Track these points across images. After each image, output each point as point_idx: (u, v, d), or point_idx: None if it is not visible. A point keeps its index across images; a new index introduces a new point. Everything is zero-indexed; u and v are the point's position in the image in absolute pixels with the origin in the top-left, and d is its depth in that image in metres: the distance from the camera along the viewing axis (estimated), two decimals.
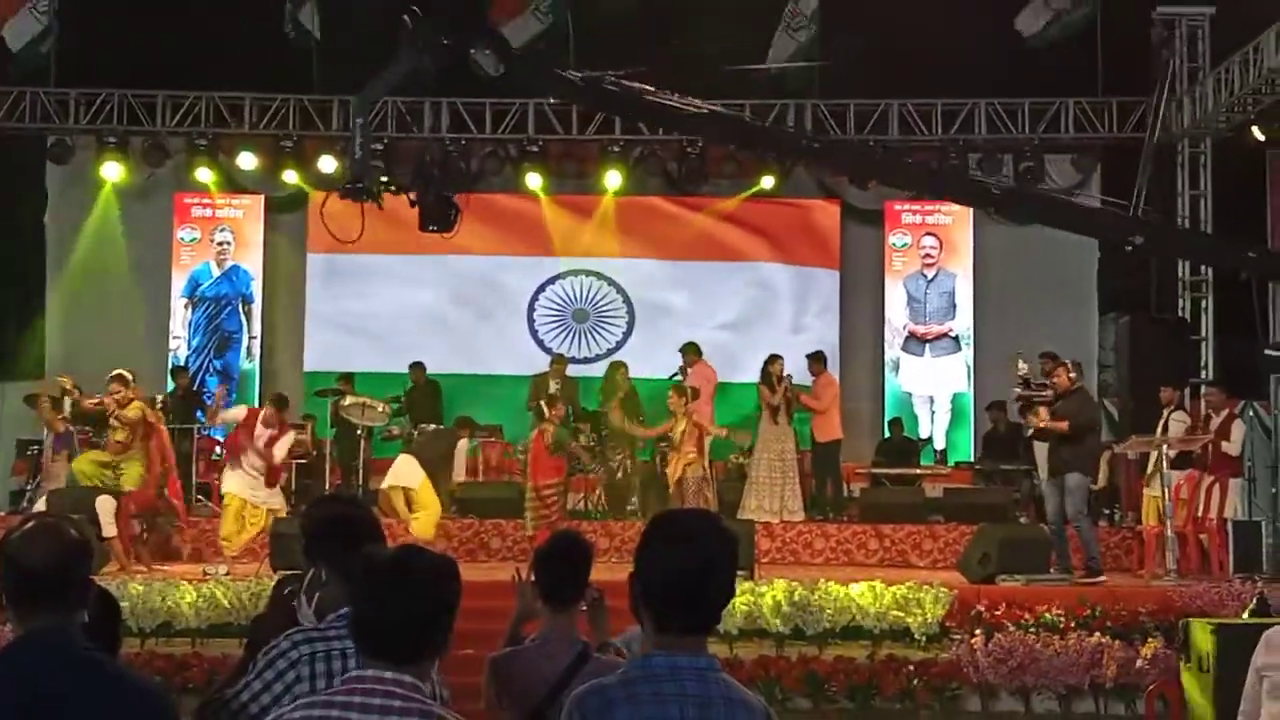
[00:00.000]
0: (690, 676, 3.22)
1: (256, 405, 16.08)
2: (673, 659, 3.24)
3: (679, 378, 16.73)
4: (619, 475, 16.63)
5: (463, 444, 15.90)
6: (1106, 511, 16.31)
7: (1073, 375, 13.72)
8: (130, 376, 14.34)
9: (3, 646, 3.39)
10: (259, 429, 13.90)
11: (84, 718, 3.24)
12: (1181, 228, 14.08)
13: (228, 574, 12.86)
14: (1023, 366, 14.66)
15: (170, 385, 18.45)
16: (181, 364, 18.93)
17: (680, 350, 17.24)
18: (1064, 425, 13.28)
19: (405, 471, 14.76)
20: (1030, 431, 15.56)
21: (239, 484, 13.83)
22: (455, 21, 11.16)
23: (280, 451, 13.95)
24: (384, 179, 10.67)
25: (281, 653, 4.15)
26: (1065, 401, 13.63)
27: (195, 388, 18.62)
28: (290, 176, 19.26)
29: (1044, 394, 14.05)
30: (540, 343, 19.60)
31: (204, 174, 19.24)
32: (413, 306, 19.45)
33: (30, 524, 3.45)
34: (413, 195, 10.65)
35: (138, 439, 13.94)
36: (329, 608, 4.24)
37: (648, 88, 11.65)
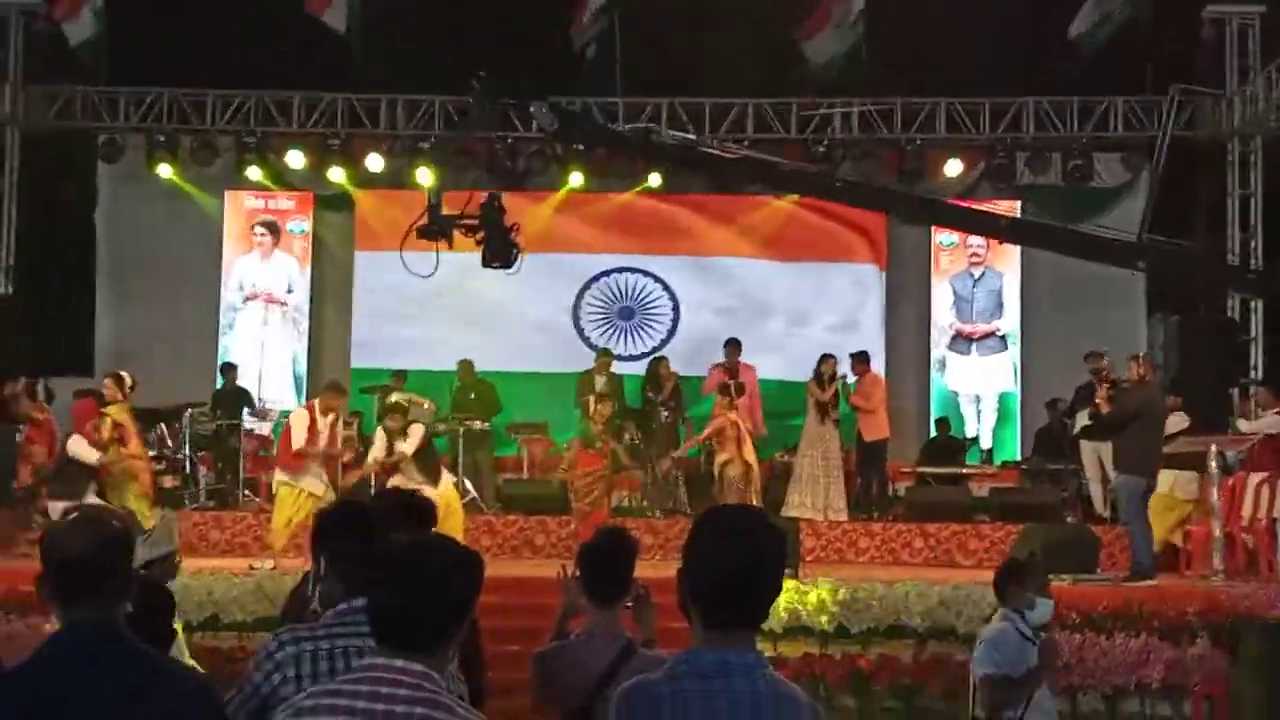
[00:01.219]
0: (738, 672, 3.23)
1: (305, 403, 16.17)
2: (720, 655, 3.25)
3: (718, 369, 16.79)
4: (664, 473, 16.62)
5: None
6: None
7: (1143, 370, 13.68)
8: (128, 380, 14.28)
9: (46, 639, 3.43)
10: (319, 422, 13.96)
11: (125, 711, 3.28)
12: (1184, 250, 14.27)
13: (274, 568, 12.94)
14: (1100, 361, 14.88)
15: (220, 381, 18.59)
16: (230, 360, 19.05)
17: (725, 345, 17.25)
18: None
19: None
20: (1076, 430, 15.53)
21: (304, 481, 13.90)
22: (517, 86, 13.01)
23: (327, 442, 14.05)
24: (458, 221, 11.46)
25: (268, 654, 4.08)
26: (1124, 393, 13.65)
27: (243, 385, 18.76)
28: (337, 174, 19.37)
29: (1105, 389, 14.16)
30: (586, 340, 19.62)
31: (253, 172, 19.36)
32: (459, 304, 19.47)
33: (73, 515, 3.50)
34: (479, 236, 11.43)
35: (113, 444, 13.80)
36: (329, 603, 4.18)
37: (690, 138, 13.08)
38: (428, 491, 13.30)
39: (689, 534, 3.37)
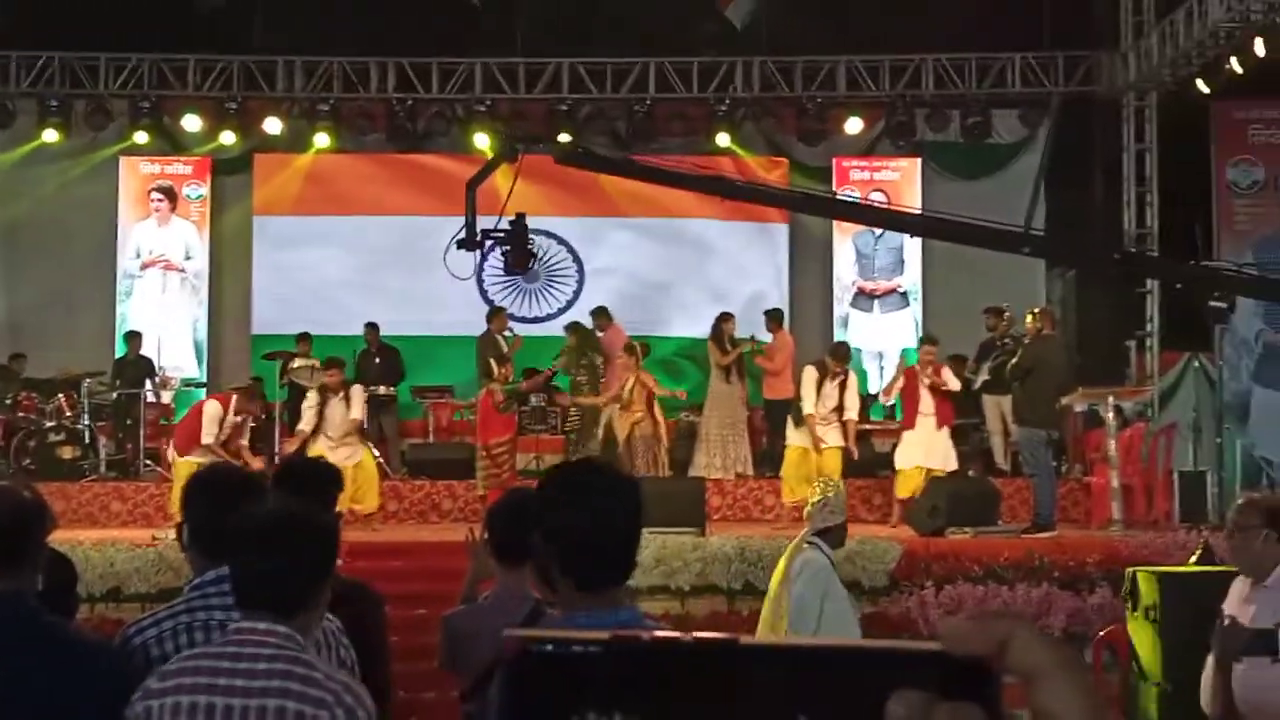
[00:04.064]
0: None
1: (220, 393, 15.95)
2: (593, 617, 3.09)
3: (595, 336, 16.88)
4: (571, 435, 16.63)
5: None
6: (1053, 464, 16.46)
7: (1040, 324, 13.86)
8: None
9: None
10: (228, 417, 13.99)
11: (43, 683, 3.25)
12: (1067, 232, 15.07)
13: (176, 539, 12.77)
14: (994, 320, 15.10)
15: (122, 349, 18.29)
16: (133, 328, 18.69)
17: (591, 314, 17.42)
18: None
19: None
20: (977, 385, 15.72)
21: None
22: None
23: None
24: (490, 233, 13.24)
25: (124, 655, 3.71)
26: (1025, 348, 13.85)
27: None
28: (234, 138, 19.14)
29: (1006, 344, 14.35)
30: (490, 303, 19.50)
31: (147, 137, 19.07)
32: (360, 268, 19.30)
33: None
34: (507, 249, 13.36)
35: None
36: (197, 572, 3.93)
37: (665, 162, 15.09)
38: (341, 457, 13.32)
39: (535, 497, 3.29)
